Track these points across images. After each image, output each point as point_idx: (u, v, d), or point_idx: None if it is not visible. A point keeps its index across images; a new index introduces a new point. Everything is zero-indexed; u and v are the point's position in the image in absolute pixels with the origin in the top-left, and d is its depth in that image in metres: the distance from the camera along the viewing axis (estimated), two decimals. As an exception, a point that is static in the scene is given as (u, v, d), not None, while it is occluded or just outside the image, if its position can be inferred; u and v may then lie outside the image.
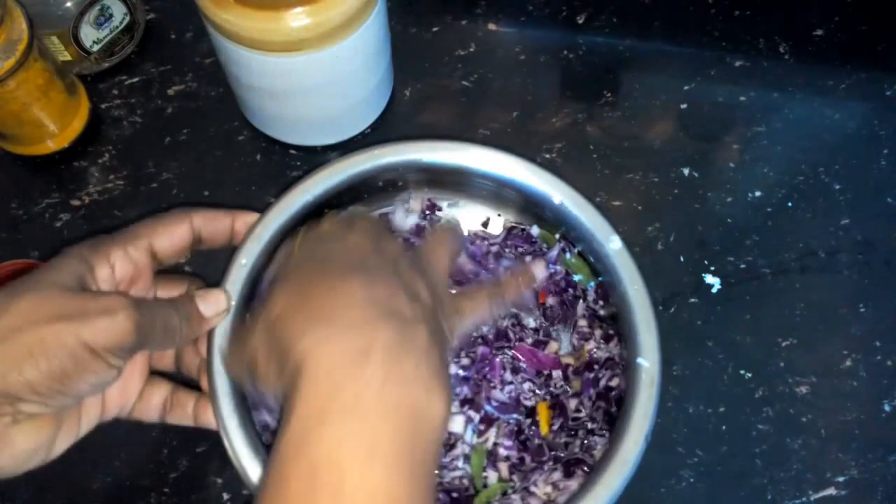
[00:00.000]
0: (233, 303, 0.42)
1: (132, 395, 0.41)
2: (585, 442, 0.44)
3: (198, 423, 0.43)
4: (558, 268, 0.48)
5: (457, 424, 0.45)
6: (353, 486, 0.29)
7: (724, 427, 0.50)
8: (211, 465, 0.49)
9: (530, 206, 0.48)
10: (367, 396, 0.31)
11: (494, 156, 0.46)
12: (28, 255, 0.53)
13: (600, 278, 0.46)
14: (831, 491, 0.49)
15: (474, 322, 0.44)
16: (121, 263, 0.38)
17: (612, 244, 0.44)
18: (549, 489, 0.43)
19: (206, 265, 0.51)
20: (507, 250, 0.49)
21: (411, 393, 0.32)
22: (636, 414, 0.40)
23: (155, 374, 0.43)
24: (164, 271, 0.42)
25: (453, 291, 0.44)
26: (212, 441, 0.44)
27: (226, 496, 0.48)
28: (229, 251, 0.44)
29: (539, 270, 0.47)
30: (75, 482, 0.48)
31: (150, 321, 0.36)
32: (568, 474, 0.43)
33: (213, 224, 0.42)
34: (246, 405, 0.41)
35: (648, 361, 0.42)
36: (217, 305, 0.40)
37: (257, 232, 0.43)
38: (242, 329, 0.40)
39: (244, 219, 0.43)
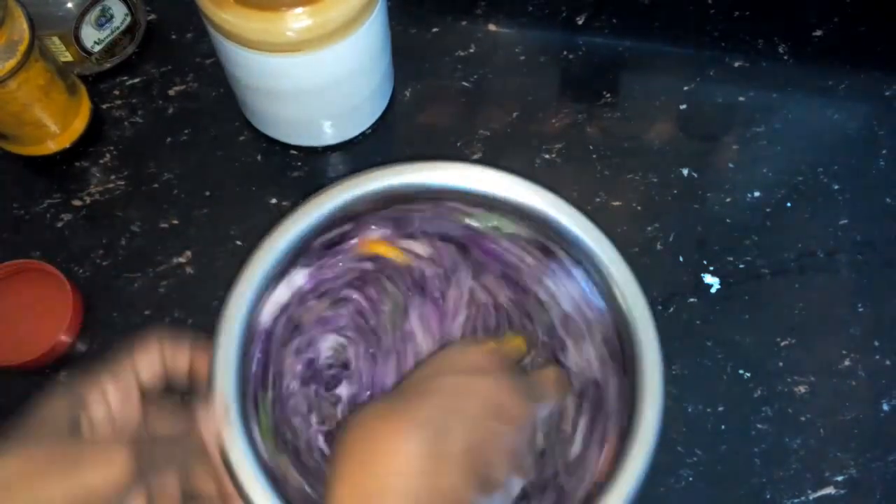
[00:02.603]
0: (232, 413, 0.39)
1: None
2: None
3: None
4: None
5: None
6: None
7: (723, 426, 0.50)
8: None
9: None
10: None
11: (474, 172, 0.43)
12: (29, 256, 0.53)
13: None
14: (830, 490, 0.49)
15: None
16: (113, 391, 0.38)
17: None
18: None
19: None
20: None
21: None
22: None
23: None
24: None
25: None
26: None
27: (226, 495, 0.48)
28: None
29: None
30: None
31: (148, 453, 0.35)
32: None
33: (176, 356, 0.40)
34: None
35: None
36: (217, 418, 0.38)
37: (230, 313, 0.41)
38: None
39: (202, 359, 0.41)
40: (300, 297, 0.44)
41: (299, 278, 0.44)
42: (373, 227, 0.45)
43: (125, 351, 0.39)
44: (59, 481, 0.32)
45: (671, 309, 0.53)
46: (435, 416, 0.35)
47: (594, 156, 0.58)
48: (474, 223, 0.45)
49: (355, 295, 0.46)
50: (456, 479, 0.34)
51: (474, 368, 0.38)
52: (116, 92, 0.60)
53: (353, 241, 0.45)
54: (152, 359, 0.40)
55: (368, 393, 0.45)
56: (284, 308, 0.44)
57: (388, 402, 0.36)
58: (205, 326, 0.40)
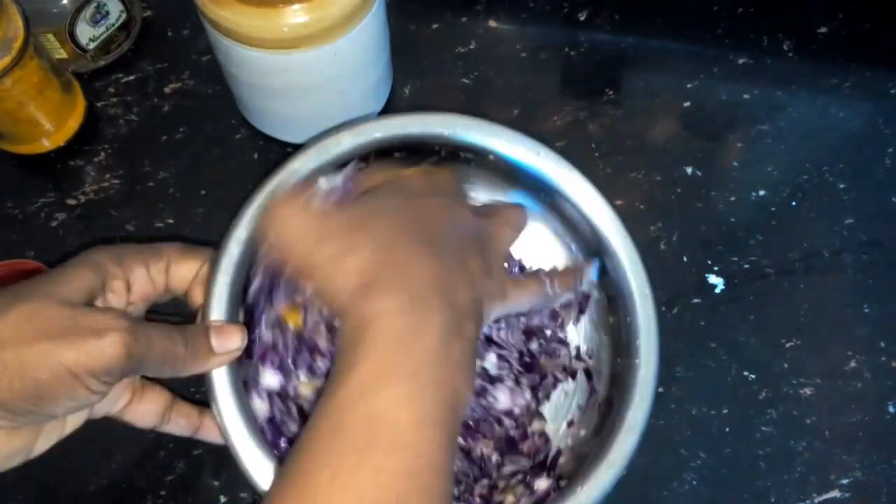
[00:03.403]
0: (245, 343, 0.39)
1: (124, 390, 0.40)
2: None
3: (199, 435, 0.42)
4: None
5: None
6: (405, 443, 0.31)
7: (727, 429, 0.50)
8: (207, 467, 0.48)
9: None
10: (424, 371, 0.32)
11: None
12: (23, 255, 0.53)
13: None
14: (835, 493, 0.48)
15: (513, 309, 0.44)
16: (140, 281, 0.37)
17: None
18: None
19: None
20: None
21: (455, 377, 0.34)
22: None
23: (153, 380, 0.42)
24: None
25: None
26: (208, 443, 0.44)
27: (223, 499, 0.48)
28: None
29: (592, 272, 0.46)
30: (71, 485, 0.48)
31: (145, 347, 0.34)
32: None
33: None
34: (252, 418, 0.40)
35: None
36: (230, 342, 0.38)
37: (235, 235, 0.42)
38: (307, 198, 0.38)
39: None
40: None
41: None
42: None
43: (170, 245, 0.39)
44: (46, 348, 0.32)
45: (675, 310, 0.52)
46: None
47: (596, 154, 0.57)
48: None
49: None
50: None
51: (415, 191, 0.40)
52: (111, 89, 0.59)
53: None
54: (191, 266, 0.39)
55: None
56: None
57: (389, 222, 0.37)
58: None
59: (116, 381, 0.34)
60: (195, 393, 0.44)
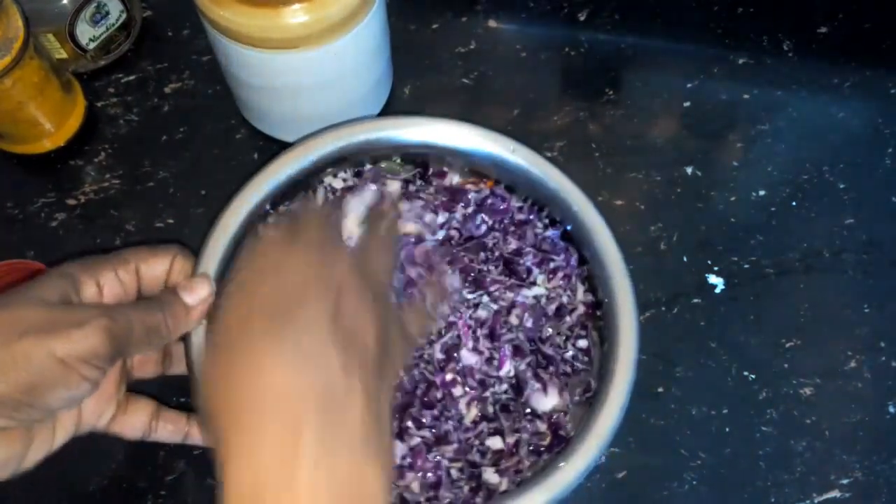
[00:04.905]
0: (214, 288, 0.41)
1: (108, 402, 0.40)
2: None
3: (188, 440, 0.43)
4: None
5: None
6: None
7: (727, 429, 0.50)
8: (208, 466, 0.48)
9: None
10: (301, 496, 0.30)
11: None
12: (24, 255, 0.53)
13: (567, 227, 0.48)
14: (835, 493, 0.48)
15: (422, 334, 0.43)
16: (110, 284, 0.38)
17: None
18: None
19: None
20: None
21: (347, 481, 0.31)
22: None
23: (139, 392, 0.43)
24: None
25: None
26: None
27: (223, 499, 0.48)
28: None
29: (454, 281, 0.47)
30: (72, 484, 0.48)
31: (126, 326, 0.35)
32: None
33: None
34: None
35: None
36: (201, 291, 0.39)
37: (222, 223, 0.44)
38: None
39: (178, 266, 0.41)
40: None
41: None
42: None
43: (136, 249, 0.40)
44: (34, 342, 0.33)
45: (675, 310, 0.52)
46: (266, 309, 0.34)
47: (596, 154, 0.57)
48: None
49: None
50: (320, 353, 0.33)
51: (262, 252, 0.38)
52: (111, 89, 0.59)
53: None
54: (160, 263, 0.40)
55: None
56: None
57: (232, 323, 0.35)
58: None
59: (108, 366, 0.35)
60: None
